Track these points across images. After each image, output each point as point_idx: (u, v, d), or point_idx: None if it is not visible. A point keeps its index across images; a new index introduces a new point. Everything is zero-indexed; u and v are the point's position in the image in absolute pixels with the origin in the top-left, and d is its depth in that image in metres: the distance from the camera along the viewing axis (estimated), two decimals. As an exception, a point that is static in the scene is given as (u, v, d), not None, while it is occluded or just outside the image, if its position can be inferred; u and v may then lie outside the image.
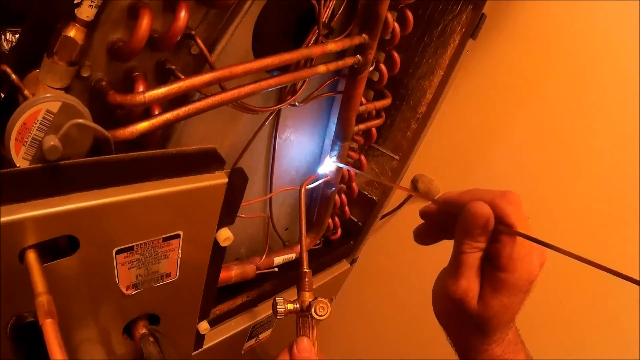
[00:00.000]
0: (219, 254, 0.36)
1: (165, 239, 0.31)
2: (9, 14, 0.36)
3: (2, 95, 0.31)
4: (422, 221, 0.32)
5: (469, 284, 0.27)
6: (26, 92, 0.28)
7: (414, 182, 0.73)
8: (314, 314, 0.39)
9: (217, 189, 0.31)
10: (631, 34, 0.52)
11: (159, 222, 0.30)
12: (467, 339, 0.30)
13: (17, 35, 0.38)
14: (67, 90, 0.29)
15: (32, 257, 0.26)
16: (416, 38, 0.60)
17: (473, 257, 0.27)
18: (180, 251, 0.32)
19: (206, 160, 0.31)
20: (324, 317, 0.39)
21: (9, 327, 0.28)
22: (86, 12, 0.26)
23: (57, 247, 0.28)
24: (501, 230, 0.26)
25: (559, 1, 0.57)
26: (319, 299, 0.40)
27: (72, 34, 0.27)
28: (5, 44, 0.39)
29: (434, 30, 0.59)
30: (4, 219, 0.24)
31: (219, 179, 0.31)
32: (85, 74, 0.30)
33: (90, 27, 0.27)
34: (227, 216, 0.34)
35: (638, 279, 0.22)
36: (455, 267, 0.28)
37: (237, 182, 0.32)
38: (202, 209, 0.32)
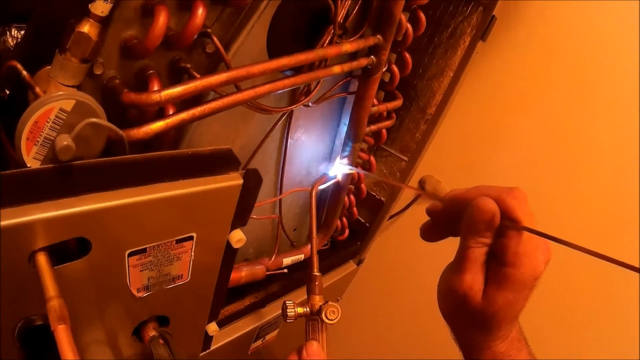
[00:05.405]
0: (230, 255, 0.36)
1: (178, 241, 0.30)
2: (13, 12, 0.36)
3: (8, 92, 0.30)
4: (429, 218, 0.32)
5: (474, 279, 0.27)
6: (37, 89, 0.27)
7: (421, 183, 0.73)
8: (324, 318, 0.39)
9: (232, 190, 0.31)
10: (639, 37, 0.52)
11: (173, 223, 0.29)
12: (471, 335, 0.30)
13: (22, 32, 0.37)
14: (78, 88, 0.28)
15: (42, 259, 0.25)
16: (426, 39, 0.60)
17: (478, 252, 0.27)
18: (192, 253, 0.32)
19: (221, 161, 0.30)
20: (335, 321, 0.39)
21: (17, 330, 0.28)
22: (101, 7, 0.26)
23: (67, 249, 0.27)
24: (507, 225, 0.26)
25: (569, 3, 0.57)
26: (330, 302, 0.39)
27: (86, 30, 0.26)
28: (10, 40, 0.38)
29: (444, 31, 0.59)
30: (13, 221, 0.23)
31: (234, 180, 0.30)
32: (97, 72, 0.29)
33: (104, 23, 0.26)
34: (240, 217, 0.33)
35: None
36: (460, 262, 0.28)
37: (252, 184, 0.32)
38: (217, 211, 0.31)
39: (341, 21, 0.41)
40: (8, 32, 0.37)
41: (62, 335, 0.23)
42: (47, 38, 0.27)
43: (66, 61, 0.26)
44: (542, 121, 0.62)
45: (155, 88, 0.29)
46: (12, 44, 0.37)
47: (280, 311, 0.40)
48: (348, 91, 0.52)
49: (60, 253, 0.27)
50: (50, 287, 0.24)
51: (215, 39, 0.30)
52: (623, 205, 0.57)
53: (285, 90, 0.36)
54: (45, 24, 0.27)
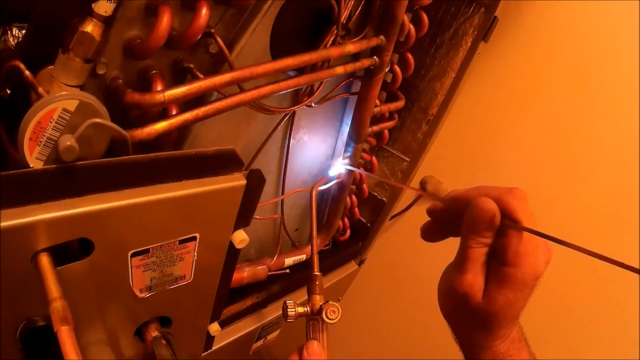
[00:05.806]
0: (233, 256, 0.35)
1: (181, 242, 0.30)
2: (14, 11, 0.35)
3: (9, 92, 0.30)
4: (429, 219, 0.32)
5: (474, 278, 0.27)
6: (40, 89, 0.27)
7: (423, 184, 0.73)
8: (325, 317, 0.39)
9: (235, 190, 0.30)
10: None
11: (176, 224, 0.29)
12: (471, 335, 0.30)
13: (23, 31, 0.36)
14: (81, 88, 0.28)
15: (45, 260, 0.25)
16: (428, 40, 0.60)
17: (479, 252, 0.27)
18: (195, 254, 0.32)
19: (224, 162, 0.30)
20: (335, 320, 0.39)
21: (19, 331, 0.28)
22: (104, 7, 0.26)
23: (70, 249, 0.27)
24: (507, 225, 0.26)
25: (570, 3, 0.57)
26: (330, 302, 0.39)
27: (90, 30, 0.26)
28: (11, 39, 0.38)
29: (446, 32, 0.59)
30: (15, 221, 0.23)
31: (237, 180, 0.30)
32: (100, 72, 0.29)
33: (107, 22, 0.26)
34: (243, 218, 0.33)
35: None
36: (460, 261, 0.28)
37: (255, 184, 0.32)
38: (220, 211, 0.31)
39: (344, 22, 0.40)
40: (9, 32, 0.37)
41: (66, 337, 0.22)
42: (48, 37, 0.26)
43: (69, 61, 0.26)
44: (544, 122, 0.62)
45: (159, 88, 0.29)
46: (13, 43, 0.37)
47: (281, 311, 0.40)
48: (350, 92, 0.52)
49: (63, 254, 0.26)
50: (53, 288, 0.24)
51: (219, 39, 0.30)
52: (623, 205, 0.57)
53: (289, 90, 0.36)
54: (47, 23, 0.26)
